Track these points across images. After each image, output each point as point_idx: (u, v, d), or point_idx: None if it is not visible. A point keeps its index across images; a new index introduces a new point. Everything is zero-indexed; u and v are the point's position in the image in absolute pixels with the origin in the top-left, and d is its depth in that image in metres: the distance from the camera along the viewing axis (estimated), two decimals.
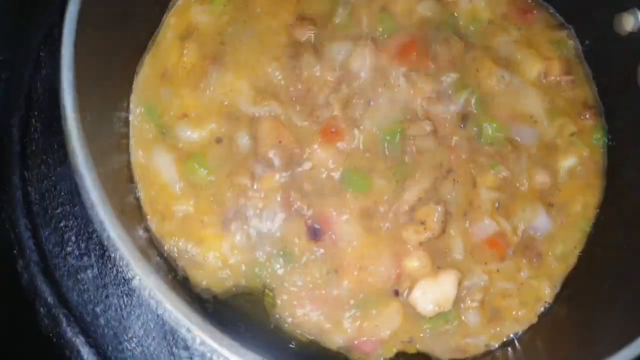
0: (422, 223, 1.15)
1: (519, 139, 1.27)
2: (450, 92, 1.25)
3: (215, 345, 0.84)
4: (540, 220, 1.23)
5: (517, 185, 1.23)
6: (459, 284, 1.14)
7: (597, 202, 1.28)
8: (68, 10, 0.89)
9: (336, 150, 1.18)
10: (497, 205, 1.21)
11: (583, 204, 1.27)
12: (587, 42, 1.38)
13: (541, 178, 1.25)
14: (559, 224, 1.24)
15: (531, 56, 1.33)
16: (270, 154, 1.16)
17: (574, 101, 1.34)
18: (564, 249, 1.23)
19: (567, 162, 1.29)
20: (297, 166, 1.17)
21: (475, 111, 1.26)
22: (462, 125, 1.24)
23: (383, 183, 1.18)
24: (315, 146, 1.18)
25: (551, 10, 1.41)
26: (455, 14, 1.33)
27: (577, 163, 1.29)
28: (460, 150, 1.22)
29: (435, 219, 1.15)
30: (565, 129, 1.30)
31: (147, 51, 1.22)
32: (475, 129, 1.25)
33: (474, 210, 1.20)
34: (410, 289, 1.14)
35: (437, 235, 1.16)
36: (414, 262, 1.13)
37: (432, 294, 1.13)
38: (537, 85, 1.31)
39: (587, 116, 1.32)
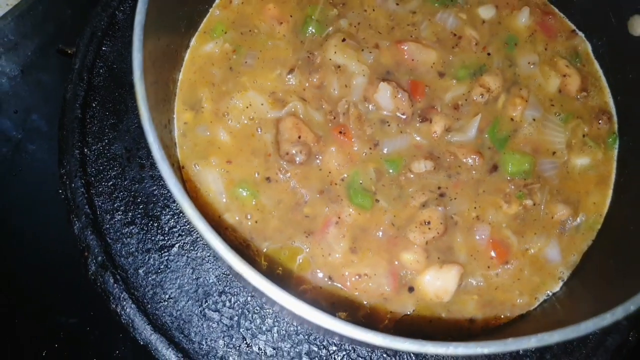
0: (427, 223, 1.27)
1: (542, 172, 1.36)
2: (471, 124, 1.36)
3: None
4: (551, 252, 1.31)
5: (536, 213, 1.33)
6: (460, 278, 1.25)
7: (607, 202, 1.37)
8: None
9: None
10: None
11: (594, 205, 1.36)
12: (599, 44, 1.46)
13: (561, 210, 1.33)
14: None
15: (551, 75, 1.42)
16: (292, 150, 1.28)
17: (590, 107, 1.44)
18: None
19: (581, 160, 1.39)
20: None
21: (496, 145, 1.36)
22: (479, 158, 1.34)
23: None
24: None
25: (564, 18, 1.51)
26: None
27: (591, 163, 1.39)
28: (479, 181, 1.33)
29: (438, 219, 1.27)
30: (579, 130, 1.40)
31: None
32: (496, 161, 1.35)
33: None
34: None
35: (441, 234, 1.27)
36: (411, 256, 1.25)
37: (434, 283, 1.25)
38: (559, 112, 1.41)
39: (601, 122, 1.42)
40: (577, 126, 1.41)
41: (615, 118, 1.44)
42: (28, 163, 1.65)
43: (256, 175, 1.30)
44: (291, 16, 1.41)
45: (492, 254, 1.29)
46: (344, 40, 1.36)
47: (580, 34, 1.50)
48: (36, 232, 1.55)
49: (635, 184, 1.34)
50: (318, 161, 1.31)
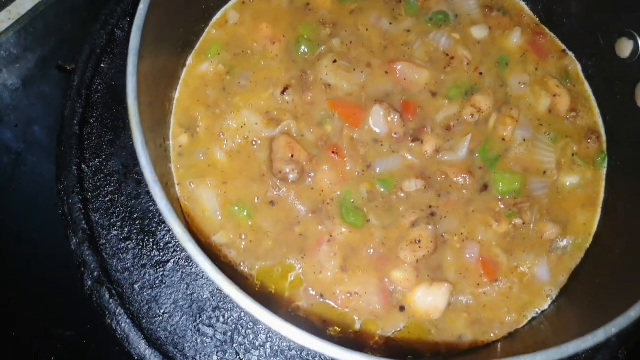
0: (418, 242, 1.29)
1: (532, 191, 1.38)
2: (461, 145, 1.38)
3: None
4: (540, 270, 1.33)
5: (526, 231, 1.35)
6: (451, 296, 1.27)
7: (596, 221, 1.39)
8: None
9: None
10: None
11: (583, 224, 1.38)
12: (588, 65, 1.49)
13: (550, 229, 1.35)
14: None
15: (541, 95, 1.45)
16: (286, 169, 1.30)
17: (579, 127, 1.46)
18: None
19: (570, 179, 1.41)
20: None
21: (487, 164, 1.38)
22: (470, 177, 1.36)
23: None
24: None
25: (555, 38, 1.54)
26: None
27: (580, 182, 1.41)
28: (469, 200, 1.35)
29: (429, 238, 1.29)
30: (568, 149, 1.42)
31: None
32: (486, 181, 1.37)
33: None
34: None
35: (431, 252, 1.29)
36: (401, 274, 1.27)
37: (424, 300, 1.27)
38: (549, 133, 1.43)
39: (591, 141, 1.44)
40: (566, 145, 1.43)
41: (604, 137, 1.46)
42: (28, 176, 1.67)
43: (252, 195, 1.33)
44: (284, 36, 1.44)
45: (482, 272, 1.31)
46: (335, 61, 1.39)
47: (571, 54, 1.53)
48: (34, 244, 1.57)
49: (623, 203, 1.36)
50: (310, 180, 1.33)
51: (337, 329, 1.27)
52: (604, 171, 1.44)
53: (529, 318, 1.31)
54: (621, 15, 1.33)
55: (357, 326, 1.26)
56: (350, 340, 1.25)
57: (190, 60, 1.42)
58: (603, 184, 1.43)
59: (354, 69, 1.41)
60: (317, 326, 1.27)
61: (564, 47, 1.53)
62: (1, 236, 1.62)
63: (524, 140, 1.41)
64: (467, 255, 1.31)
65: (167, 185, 1.23)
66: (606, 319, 0.97)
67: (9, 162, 1.69)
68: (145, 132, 0.99)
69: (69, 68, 1.58)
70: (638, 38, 1.30)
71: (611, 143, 1.45)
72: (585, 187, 1.41)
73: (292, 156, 1.31)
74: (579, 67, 1.51)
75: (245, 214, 1.31)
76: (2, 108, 1.74)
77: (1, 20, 1.76)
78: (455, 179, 1.35)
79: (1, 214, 1.64)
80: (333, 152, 1.35)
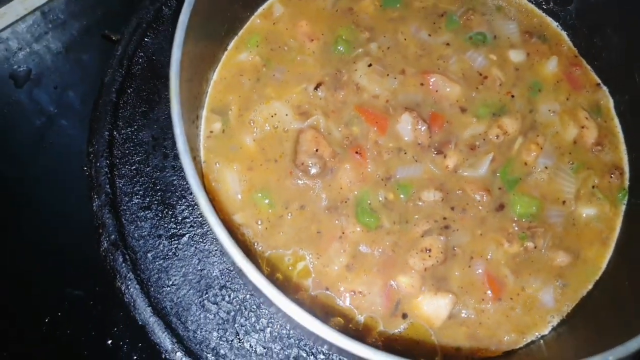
0: (428, 251, 1.31)
1: (547, 217, 1.39)
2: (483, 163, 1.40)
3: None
4: (546, 296, 1.34)
5: (537, 256, 1.36)
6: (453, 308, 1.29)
7: (608, 256, 1.39)
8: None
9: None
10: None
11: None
12: (621, 101, 1.50)
13: (561, 257, 1.36)
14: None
15: (569, 125, 1.46)
16: (309, 161, 1.34)
17: (603, 162, 1.47)
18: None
19: (587, 210, 1.41)
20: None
21: (506, 185, 1.39)
22: (487, 195, 1.37)
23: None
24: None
25: (590, 70, 1.55)
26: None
27: (598, 215, 1.41)
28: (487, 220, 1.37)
29: (439, 248, 1.31)
30: (589, 180, 1.43)
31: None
32: (503, 201, 1.38)
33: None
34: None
35: (440, 263, 1.31)
36: (407, 279, 1.29)
37: (427, 307, 1.29)
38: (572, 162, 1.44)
39: (613, 176, 1.45)
40: (588, 177, 1.44)
41: (627, 175, 1.47)
42: (58, 137, 1.73)
43: (275, 184, 1.36)
44: (322, 34, 1.47)
45: (487, 288, 1.32)
46: (370, 65, 1.42)
47: (605, 88, 1.54)
48: (57, 203, 1.62)
49: (638, 242, 1.37)
50: (331, 176, 1.36)
51: (340, 320, 1.29)
52: (623, 208, 1.44)
53: (528, 341, 1.32)
54: None
55: (359, 321, 1.28)
56: (350, 333, 1.27)
57: (231, 45, 1.47)
58: (620, 220, 1.43)
59: (388, 74, 1.44)
60: (320, 316, 1.29)
61: (599, 80, 1.55)
62: (28, 191, 1.68)
63: (546, 167, 1.43)
64: (475, 270, 1.33)
65: (195, 160, 1.27)
66: (604, 349, 0.98)
67: (43, 123, 1.74)
68: (182, 104, 1.02)
69: (114, 38, 1.63)
70: None
71: (634, 181, 1.45)
72: (601, 221, 1.42)
73: (316, 150, 1.35)
74: (611, 102, 1.52)
75: (267, 202, 1.34)
76: (43, 70, 1.80)
77: None
78: (473, 195, 1.37)
79: (30, 170, 1.70)
80: (357, 152, 1.37)
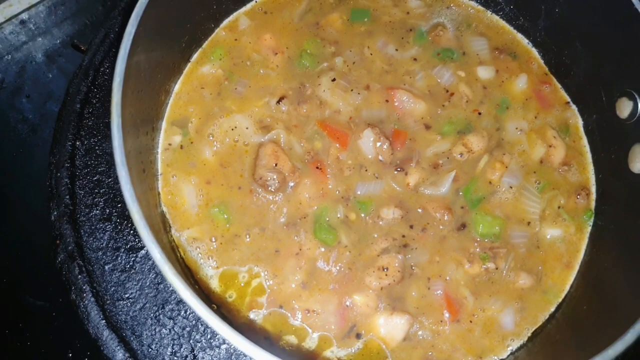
0: (385, 269, 1.29)
1: (510, 238, 1.37)
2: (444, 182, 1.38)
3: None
4: (506, 319, 1.31)
5: (498, 277, 1.33)
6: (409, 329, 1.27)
7: (572, 278, 1.37)
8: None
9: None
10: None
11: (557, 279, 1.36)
12: (590, 120, 1.48)
13: (523, 279, 1.34)
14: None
15: (537, 144, 1.44)
16: (267, 176, 1.32)
17: (570, 182, 1.44)
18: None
19: (552, 231, 1.39)
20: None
21: (469, 204, 1.37)
22: (449, 214, 1.35)
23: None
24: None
25: (560, 88, 1.53)
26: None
27: (562, 236, 1.39)
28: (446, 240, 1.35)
29: (397, 267, 1.28)
30: (555, 201, 1.41)
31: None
32: (465, 220, 1.36)
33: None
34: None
35: (397, 282, 1.29)
36: (362, 298, 1.27)
37: (382, 327, 1.27)
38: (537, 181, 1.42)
39: (580, 196, 1.42)
40: (553, 197, 1.42)
41: (594, 195, 1.44)
42: (27, 147, 1.74)
43: (233, 199, 1.34)
44: (287, 48, 1.46)
45: (445, 309, 1.30)
46: (334, 80, 1.41)
47: (574, 107, 1.52)
48: (19, 212, 1.62)
49: (601, 264, 1.34)
50: (290, 190, 1.34)
51: (293, 338, 1.27)
52: (589, 229, 1.42)
53: None
54: (624, 73, 1.32)
55: (311, 341, 1.26)
56: (302, 354, 1.25)
57: (194, 58, 1.46)
58: (585, 242, 1.41)
59: (352, 90, 1.42)
60: (272, 335, 1.27)
61: (568, 99, 1.53)
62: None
63: (511, 187, 1.40)
64: (433, 291, 1.31)
65: (145, 173, 1.26)
66: None
67: (24, 132, 1.75)
68: (126, 117, 1.01)
69: (82, 48, 1.63)
70: (638, 99, 1.28)
71: (600, 202, 1.43)
72: (566, 243, 1.40)
73: (275, 165, 1.33)
74: (580, 121, 1.50)
75: (225, 217, 1.33)
76: (24, 79, 1.81)
77: None
78: (434, 213, 1.35)
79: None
80: (317, 168, 1.36)
